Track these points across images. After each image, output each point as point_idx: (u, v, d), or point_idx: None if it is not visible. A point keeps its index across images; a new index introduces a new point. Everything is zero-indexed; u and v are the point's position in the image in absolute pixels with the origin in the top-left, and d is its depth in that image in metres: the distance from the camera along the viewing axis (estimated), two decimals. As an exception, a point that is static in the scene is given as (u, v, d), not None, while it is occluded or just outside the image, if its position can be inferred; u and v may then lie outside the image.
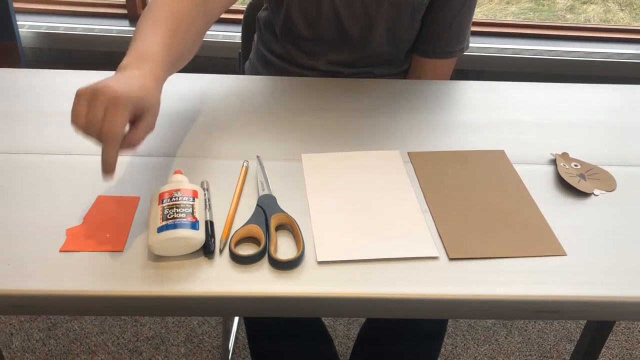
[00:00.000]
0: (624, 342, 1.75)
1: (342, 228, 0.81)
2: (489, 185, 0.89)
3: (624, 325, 1.79)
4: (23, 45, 2.75)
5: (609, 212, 0.86)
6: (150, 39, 0.85)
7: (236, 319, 1.68)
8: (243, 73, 1.40)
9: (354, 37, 1.17)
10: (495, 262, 0.77)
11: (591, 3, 3.53)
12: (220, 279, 0.73)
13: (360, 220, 0.82)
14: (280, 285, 0.73)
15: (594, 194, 0.89)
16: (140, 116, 0.78)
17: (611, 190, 0.90)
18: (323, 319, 1.25)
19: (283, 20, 1.18)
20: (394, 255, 0.77)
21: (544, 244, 0.79)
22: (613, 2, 3.54)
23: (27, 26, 2.77)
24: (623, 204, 0.88)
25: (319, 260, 0.76)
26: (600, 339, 1.55)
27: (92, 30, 2.78)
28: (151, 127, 0.80)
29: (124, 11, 2.82)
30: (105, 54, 2.76)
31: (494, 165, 0.92)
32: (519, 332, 1.76)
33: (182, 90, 1.10)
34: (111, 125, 0.72)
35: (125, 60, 0.81)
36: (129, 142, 0.76)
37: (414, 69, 1.25)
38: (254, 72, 1.32)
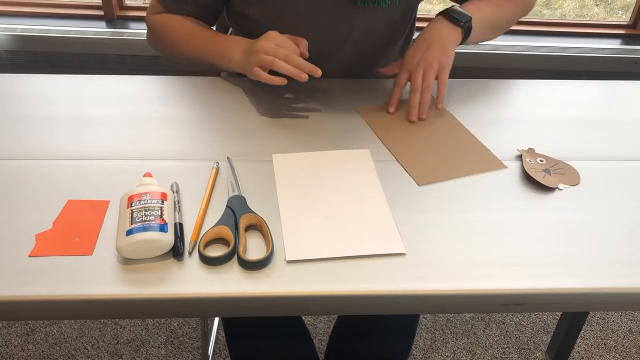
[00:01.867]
0: (598, 332, 1.78)
1: (311, 227, 0.82)
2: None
3: (598, 316, 1.82)
4: (-2, 48, 2.73)
5: (572, 206, 0.88)
6: (218, 35, 1.11)
7: (216, 319, 1.69)
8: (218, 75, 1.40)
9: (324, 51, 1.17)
10: (460, 257, 0.78)
11: (567, -2, 3.56)
12: (190, 280, 0.74)
13: (329, 218, 0.83)
14: (250, 285, 0.74)
15: (559, 189, 0.91)
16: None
17: (575, 185, 0.92)
18: (303, 316, 1.25)
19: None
20: (362, 252, 0.78)
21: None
22: (588, -3, 3.58)
23: (1, 29, 2.74)
24: (586, 197, 0.90)
25: (288, 259, 0.77)
26: (575, 330, 1.58)
27: (69, 32, 2.76)
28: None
29: (100, 12, 2.80)
30: (82, 56, 2.74)
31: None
32: (496, 325, 1.79)
33: (152, 92, 1.10)
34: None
35: (234, 54, 1.05)
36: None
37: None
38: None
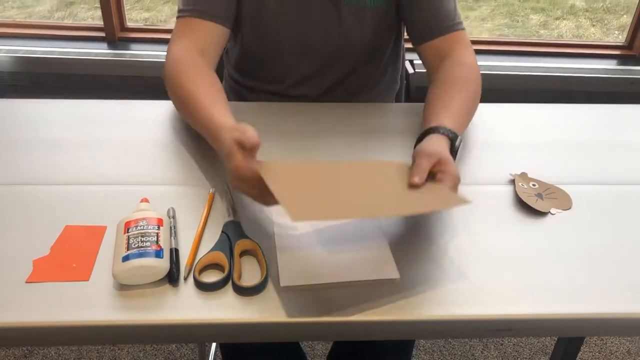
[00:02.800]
0: (597, 354, 1.78)
1: (306, 253, 0.82)
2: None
3: (597, 337, 1.82)
4: (0, 69, 2.75)
5: (563, 231, 0.89)
6: (222, 117, 0.95)
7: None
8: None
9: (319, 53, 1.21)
10: (452, 282, 0.79)
11: (564, 19, 3.60)
12: (185, 306, 0.75)
13: (324, 243, 0.84)
14: (244, 311, 0.75)
15: (551, 213, 0.92)
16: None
17: (567, 209, 0.93)
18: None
19: (239, 53, 1.26)
20: (356, 278, 0.79)
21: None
22: (584, 18, 3.62)
23: (4, 50, 2.78)
24: (578, 222, 0.91)
25: (282, 285, 0.78)
26: (574, 352, 1.57)
27: (70, 53, 2.78)
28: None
29: (102, 34, 2.84)
30: (83, 77, 2.77)
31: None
32: (495, 346, 1.79)
33: (149, 117, 1.12)
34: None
35: (221, 151, 0.90)
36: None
37: (425, 63, 1.21)
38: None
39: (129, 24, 2.87)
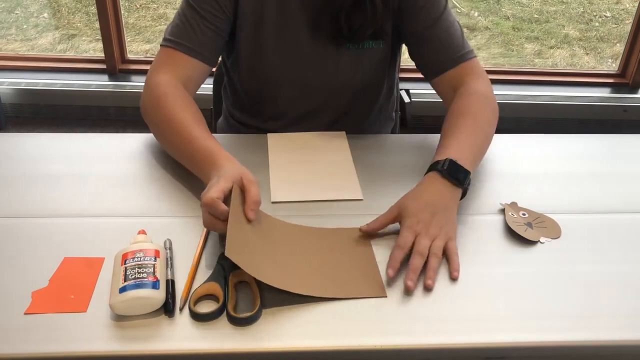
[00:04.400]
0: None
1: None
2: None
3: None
4: (3, 101, 2.79)
5: (553, 259, 0.91)
6: (210, 143, 0.99)
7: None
8: (215, 130, 1.45)
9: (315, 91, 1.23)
10: (442, 310, 0.81)
11: (558, 48, 3.65)
12: (180, 336, 0.76)
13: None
14: (238, 341, 0.76)
15: (540, 242, 0.94)
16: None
17: (556, 238, 0.95)
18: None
19: (236, 92, 1.30)
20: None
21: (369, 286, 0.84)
22: (579, 47, 3.67)
23: (6, 83, 2.81)
24: (567, 250, 0.93)
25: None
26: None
27: (72, 85, 2.82)
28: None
29: (103, 66, 2.88)
30: (85, 108, 2.81)
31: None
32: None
33: (146, 150, 1.14)
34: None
35: (214, 174, 0.92)
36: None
37: (440, 96, 1.20)
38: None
39: (130, 55, 2.92)
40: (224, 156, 0.95)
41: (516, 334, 0.78)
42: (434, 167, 0.96)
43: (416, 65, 1.20)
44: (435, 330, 0.78)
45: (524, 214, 0.99)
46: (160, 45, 1.14)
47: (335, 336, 0.77)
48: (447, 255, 0.89)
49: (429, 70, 1.19)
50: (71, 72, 2.90)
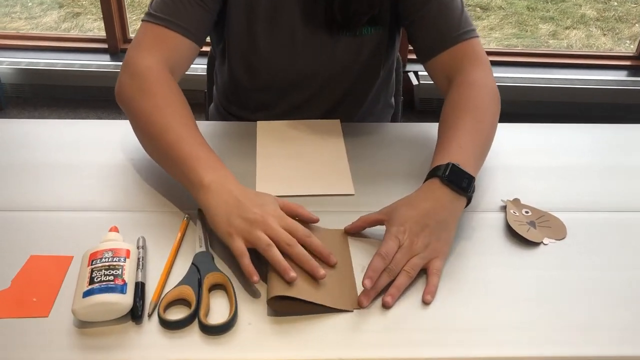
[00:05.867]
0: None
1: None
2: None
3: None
4: (3, 81, 2.75)
5: (556, 263, 0.84)
6: (197, 146, 0.89)
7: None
8: (207, 117, 1.39)
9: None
10: (434, 319, 0.74)
11: (574, 28, 3.53)
12: (148, 345, 0.71)
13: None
14: (209, 351, 0.70)
15: (543, 243, 0.87)
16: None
17: (561, 239, 0.88)
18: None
19: (227, 81, 1.21)
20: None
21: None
22: (595, 27, 3.55)
23: (6, 62, 2.77)
24: (572, 253, 0.85)
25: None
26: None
27: (73, 65, 2.77)
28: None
29: (105, 45, 2.82)
30: (86, 89, 2.76)
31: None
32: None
33: (124, 138, 1.07)
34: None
35: (207, 178, 0.84)
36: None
37: (436, 84, 1.09)
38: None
39: (132, 35, 2.86)
40: (205, 159, 0.87)
41: (516, 348, 0.71)
42: (434, 172, 0.87)
43: (413, 49, 1.11)
44: (427, 342, 0.72)
45: (526, 212, 0.92)
46: (143, 20, 1.02)
47: (316, 347, 0.71)
48: (427, 274, 0.80)
49: (422, 52, 1.08)
50: (72, 51, 2.84)
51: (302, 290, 0.76)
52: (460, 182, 0.85)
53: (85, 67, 2.75)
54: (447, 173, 0.85)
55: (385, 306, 0.76)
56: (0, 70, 2.73)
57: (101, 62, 2.78)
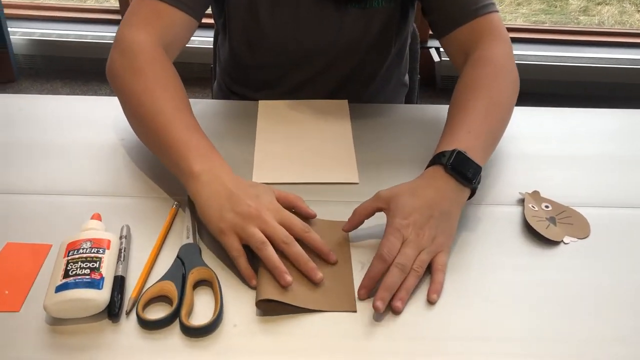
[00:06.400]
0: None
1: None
2: None
3: None
4: (15, 52, 2.70)
5: (578, 264, 0.76)
6: (188, 131, 0.82)
7: None
8: (212, 95, 1.32)
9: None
10: (439, 327, 0.67)
11: (606, 4, 3.38)
12: (124, 347, 0.65)
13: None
14: (190, 356, 0.64)
15: (564, 242, 0.79)
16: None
17: (584, 238, 0.80)
18: None
19: (228, 57, 1.13)
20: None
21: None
22: (629, 3, 3.40)
23: (19, 33, 2.72)
24: (595, 254, 0.77)
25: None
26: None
27: (86, 37, 2.73)
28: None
29: (118, 17, 2.76)
30: (98, 61, 2.70)
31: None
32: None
33: (115, 116, 0.99)
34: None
35: (197, 167, 0.78)
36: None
37: (452, 61, 1.01)
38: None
39: (144, 6, 2.79)
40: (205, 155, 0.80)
41: (525, 360, 0.64)
42: (438, 159, 0.79)
43: (428, 24, 1.02)
44: (428, 352, 0.65)
45: (546, 207, 0.84)
46: None
47: (308, 354, 0.65)
48: (431, 270, 0.73)
49: (438, 27, 1.00)
50: (85, 22, 2.79)
51: (297, 294, 0.69)
52: (465, 172, 0.77)
53: (98, 38, 2.70)
54: (451, 161, 0.78)
55: (396, 312, 0.69)
56: (13, 41, 2.69)
57: (114, 34, 2.72)
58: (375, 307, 0.67)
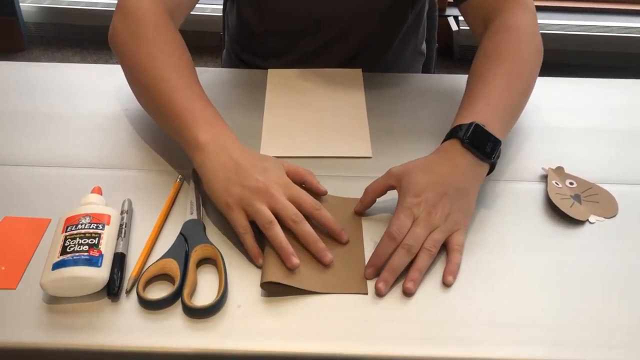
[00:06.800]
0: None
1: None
2: None
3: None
4: (25, 20, 2.67)
5: (604, 245, 0.71)
6: (193, 99, 0.78)
7: None
8: (222, 64, 1.27)
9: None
10: (452, 311, 0.64)
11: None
12: (123, 328, 0.62)
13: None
14: (192, 338, 0.61)
15: (589, 222, 0.74)
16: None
17: (611, 217, 0.75)
18: None
19: (236, 25, 1.08)
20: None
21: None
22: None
23: (29, 0, 2.69)
24: (623, 235, 0.73)
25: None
26: None
27: (97, 4, 2.69)
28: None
29: (129, -16, 2.71)
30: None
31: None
32: None
33: (119, 85, 0.95)
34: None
35: (203, 137, 0.74)
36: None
37: (471, 28, 0.96)
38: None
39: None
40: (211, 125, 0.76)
41: (550, 349, 0.60)
42: (454, 133, 0.75)
43: None
44: (442, 338, 0.61)
45: (571, 183, 0.79)
46: None
47: (315, 337, 0.61)
48: (447, 250, 0.69)
49: None
50: (97, -11, 2.74)
51: (304, 276, 0.66)
52: (483, 146, 0.73)
53: (110, 6, 2.66)
54: (468, 134, 0.73)
55: (407, 294, 0.65)
56: (23, 8, 2.65)
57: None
58: (377, 289, 0.64)
